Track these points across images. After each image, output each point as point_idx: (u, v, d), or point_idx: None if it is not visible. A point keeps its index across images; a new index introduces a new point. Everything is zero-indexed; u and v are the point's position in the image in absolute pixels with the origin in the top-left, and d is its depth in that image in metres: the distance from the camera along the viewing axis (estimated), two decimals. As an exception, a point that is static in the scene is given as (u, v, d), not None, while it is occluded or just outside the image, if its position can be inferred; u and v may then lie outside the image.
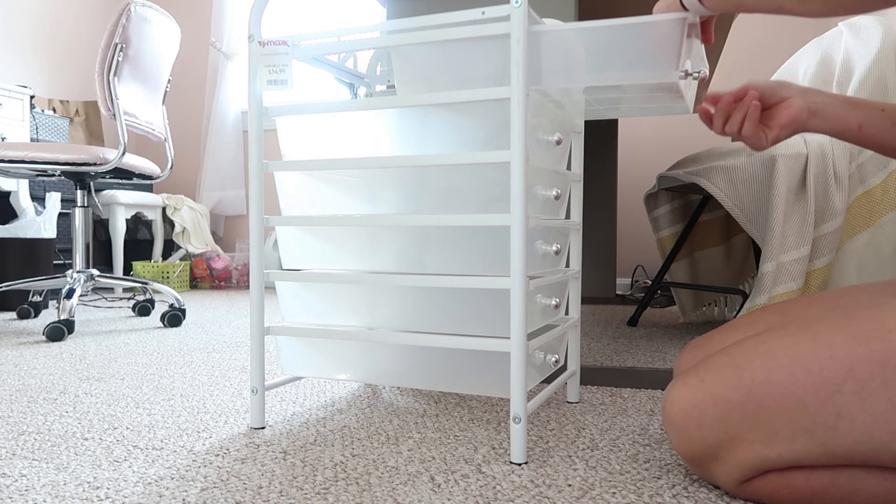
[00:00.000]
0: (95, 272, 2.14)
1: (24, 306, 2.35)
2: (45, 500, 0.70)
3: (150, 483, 0.76)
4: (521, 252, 0.80)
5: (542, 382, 1.26)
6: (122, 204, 3.35)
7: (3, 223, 2.82)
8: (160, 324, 2.19)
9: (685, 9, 0.80)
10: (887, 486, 0.62)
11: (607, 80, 0.80)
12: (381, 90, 1.25)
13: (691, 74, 0.81)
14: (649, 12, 1.66)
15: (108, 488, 0.74)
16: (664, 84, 0.81)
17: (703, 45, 0.89)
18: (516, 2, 0.78)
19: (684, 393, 0.69)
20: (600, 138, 2.81)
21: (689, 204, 2.13)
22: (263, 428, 0.98)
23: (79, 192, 2.14)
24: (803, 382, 0.62)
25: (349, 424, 1.00)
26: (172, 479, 0.77)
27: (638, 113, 1.06)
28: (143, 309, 2.41)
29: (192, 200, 3.79)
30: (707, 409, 0.67)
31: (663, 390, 1.22)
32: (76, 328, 2.09)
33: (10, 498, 0.71)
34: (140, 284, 2.31)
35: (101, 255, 3.45)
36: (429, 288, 0.94)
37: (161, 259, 3.66)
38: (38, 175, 2.11)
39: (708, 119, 0.90)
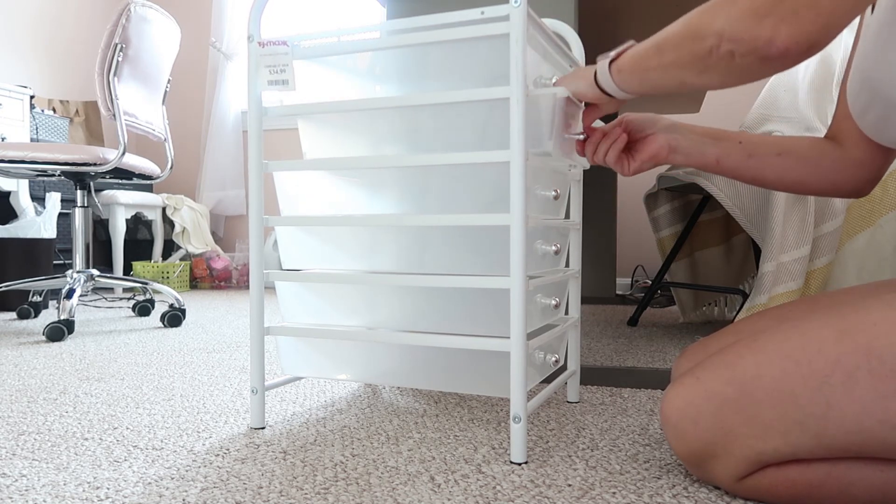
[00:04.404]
0: (95, 272, 2.14)
1: (24, 306, 2.35)
2: (45, 500, 0.70)
3: (150, 483, 0.76)
4: (520, 252, 0.80)
5: (542, 382, 1.26)
6: (122, 204, 3.35)
7: (3, 223, 2.82)
8: (160, 324, 2.19)
9: (599, 86, 0.83)
10: (884, 478, 0.63)
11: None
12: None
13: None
14: (651, 14, 1.66)
15: (108, 488, 0.74)
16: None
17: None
18: (516, 2, 0.78)
19: (681, 391, 0.70)
20: (600, 138, 2.80)
21: (689, 204, 2.13)
22: (263, 428, 0.98)
23: (79, 192, 2.14)
24: (793, 376, 0.64)
25: (349, 424, 1.00)
26: (172, 479, 0.77)
27: None
28: (143, 309, 2.41)
29: (192, 200, 3.79)
30: (702, 405, 0.68)
31: (663, 390, 1.22)
32: (76, 328, 2.09)
33: (10, 498, 0.71)
34: (140, 284, 2.31)
35: (101, 255, 3.45)
36: (429, 288, 0.95)
37: (161, 259, 3.66)
38: (38, 175, 2.11)
39: (581, 148, 0.95)
